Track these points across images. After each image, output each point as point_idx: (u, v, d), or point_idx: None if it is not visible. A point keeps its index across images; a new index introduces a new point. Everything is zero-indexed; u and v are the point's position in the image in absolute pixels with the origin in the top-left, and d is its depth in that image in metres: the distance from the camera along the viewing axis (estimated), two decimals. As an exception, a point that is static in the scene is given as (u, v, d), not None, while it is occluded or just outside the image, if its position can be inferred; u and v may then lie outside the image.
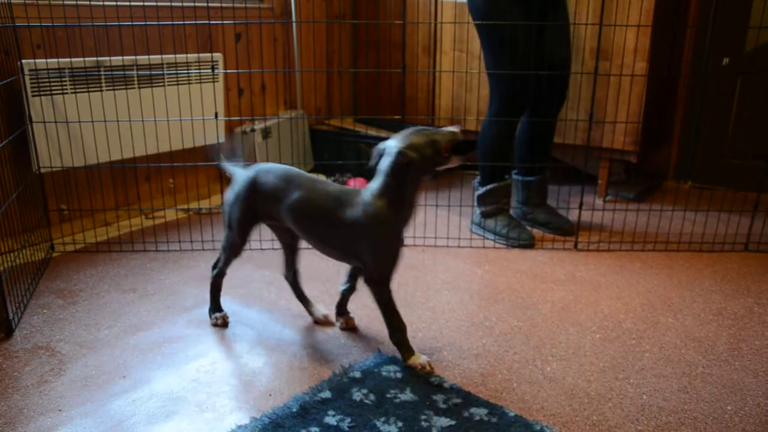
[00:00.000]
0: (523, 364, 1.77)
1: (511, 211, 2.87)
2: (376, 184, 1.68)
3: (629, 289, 2.26)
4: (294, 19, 3.38)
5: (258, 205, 1.82)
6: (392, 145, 1.67)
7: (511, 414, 1.52)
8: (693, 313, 2.09)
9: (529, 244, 2.66)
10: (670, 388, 1.67)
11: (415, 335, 1.92)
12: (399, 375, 1.67)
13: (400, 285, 2.26)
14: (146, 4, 2.70)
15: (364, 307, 2.10)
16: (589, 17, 2.98)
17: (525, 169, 2.83)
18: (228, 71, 3.12)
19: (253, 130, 3.16)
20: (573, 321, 2.02)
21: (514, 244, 2.66)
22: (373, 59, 3.88)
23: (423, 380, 1.65)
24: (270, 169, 1.83)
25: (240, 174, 1.88)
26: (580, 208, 2.73)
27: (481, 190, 2.74)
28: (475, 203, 2.79)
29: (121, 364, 1.77)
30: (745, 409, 1.58)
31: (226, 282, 2.28)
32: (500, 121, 2.60)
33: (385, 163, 1.67)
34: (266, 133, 3.22)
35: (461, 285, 2.28)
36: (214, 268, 2.01)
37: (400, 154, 1.63)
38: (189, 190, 3.15)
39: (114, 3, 2.59)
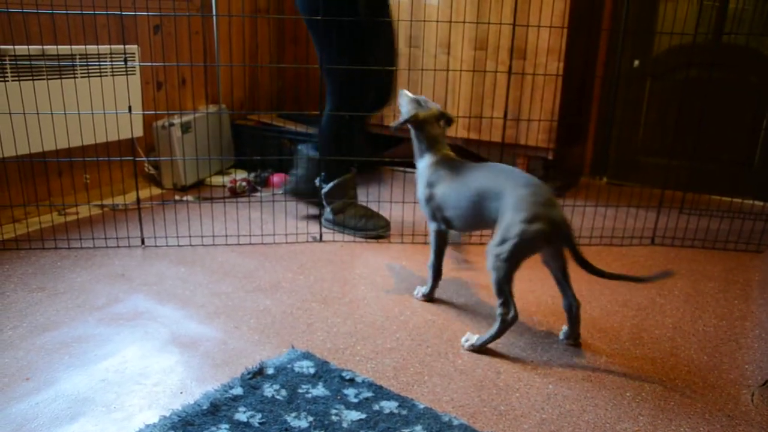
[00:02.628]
0: (435, 357, 1.80)
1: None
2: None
3: (541, 283, 2.33)
4: (215, 12, 3.32)
5: None
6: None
7: (421, 406, 1.55)
8: (600, 305, 2.18)
9: (384, 233, 2.70)
10: (575, 377, 1.74)
11: (330, 330, 1.93)
12: (311, 370, 1.68)
13: (316, 280, 2.27)
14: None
15: (280, 302, 2.09)
16: (505, 17, 3.06)
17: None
18: (144, 64, 3.04)
19: (172, 125, 3.10)
20: (486, 314, 2.07)
21: (371, 235, 2.70)
22: (299, 54, 3.86)
23: (335, 375, 1.66)
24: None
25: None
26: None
27: (328, 187, 2.71)
28: (324, 201, 2.75)
29: (25, 365, 1.71)
30: (641, 395, 1.66)
31: (139, 278, 2.23)
32: (342, 115, 2.58)
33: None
34: (186, 127, 3.15)
35: (378, 280, 2.30)
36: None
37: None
38: (104, 185, 3.06)
39: (20, -10, 2.49)
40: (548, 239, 1.73)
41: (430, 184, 2.02)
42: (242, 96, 3.76)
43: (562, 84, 3.07)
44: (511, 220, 1.73)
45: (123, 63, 2.76)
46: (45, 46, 2.54)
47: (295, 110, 3.83)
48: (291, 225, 2.82)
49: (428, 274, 2.14)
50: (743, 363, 1.84)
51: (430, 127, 2.08)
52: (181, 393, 1.60)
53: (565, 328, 1.92)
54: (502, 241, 1.74)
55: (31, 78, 2.51)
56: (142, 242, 2.55)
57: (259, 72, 3.84)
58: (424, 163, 2.07)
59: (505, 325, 1.79)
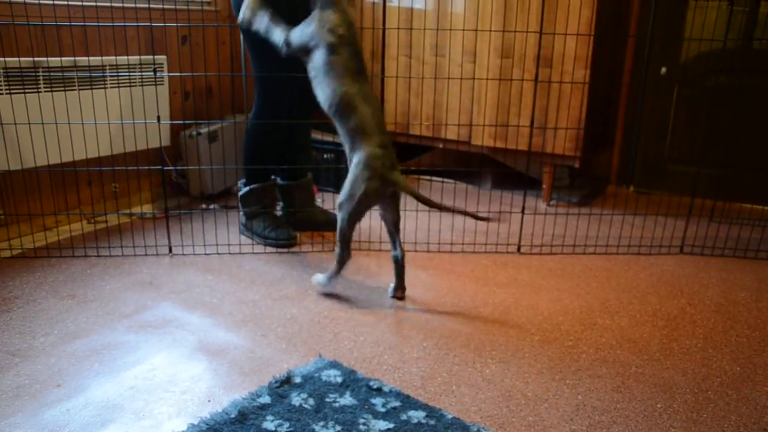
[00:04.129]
0: (462, 367, 1.79)
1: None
2: None
3: (569, 292, 2.31)
4: (241, 22, 3.35)
5: None
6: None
7: (449, 416, 1.54)
8: (629, 314, 2.15)
9: (287, 243, 2.66)
10: (605, 388, 1.71)
11: (357, 339, 1.93)
12: (339, 379, 1.67)
13: (343, 288, 2.27)
14: (85, 4, 2.65)
15: (307, 311, 2.10)
16: (531, 25, 3.05)
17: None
18: (172, 74, 3.07)
19: (199, 134, 3.13)
20: (513, 324, 2.06)
21: (272, 244, 2.67)
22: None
23: (363, 384, 1.66)
24: None
25: None
26: (523, 212, 2.78)
27: (244, 190, 2.72)
28: (239, 204, 2.75)
29: (56, 372, 1.73)
30: (673, 407, 1.63)
31: (168, 286, 2.25)
32: (265, 121, 2.58)
33: None
34: (212, 137, 3.18)
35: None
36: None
37: None
38: (132, 194, 3.10)
39: (51, 2, 2.54)
40: (382, 194, 2.08)
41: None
42: (268, 105, 3.78)
43: (588, 91, 3.04)
44: (355, 178, 2.05)
45: (152, 73, 2.79)
46: (77, 58, 2.59)
47: (322, 120, 3.84)
48: (317, 233, 2.82)
49: None
50: (778, 375, 1.80)
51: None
52: (209, 401, 1.61)
53: (392, 285, 2.23)
54: (349, 197, 2.07)
55: (63, 89, 2.55)
56: (170, 250, 2.58)
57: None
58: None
59: (341, 263, 2.15)
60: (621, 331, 2.03)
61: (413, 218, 2.99)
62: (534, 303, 2.21)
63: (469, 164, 3.81)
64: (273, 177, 2.74)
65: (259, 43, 2.47)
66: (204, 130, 3.16)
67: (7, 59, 2.40)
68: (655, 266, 2.57)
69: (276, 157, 2.68)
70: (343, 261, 2.15)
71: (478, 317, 2.09)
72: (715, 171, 3.35)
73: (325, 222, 2.82)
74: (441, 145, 3.53)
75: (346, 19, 2.13)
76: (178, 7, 2.97)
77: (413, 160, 3.84)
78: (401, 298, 2.21)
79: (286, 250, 2.65)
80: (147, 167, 2.84)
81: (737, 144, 3.32)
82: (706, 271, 2.53)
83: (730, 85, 3.28)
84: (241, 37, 2.58)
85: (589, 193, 3.53)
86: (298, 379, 1.67)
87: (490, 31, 3.13)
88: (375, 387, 1.64)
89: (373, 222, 2.94)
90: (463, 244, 2.75)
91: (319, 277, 2.22)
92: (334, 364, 1.75)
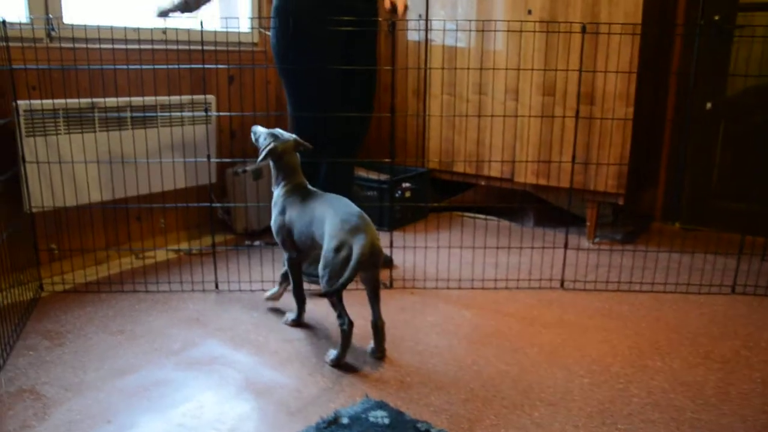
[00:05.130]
0: (511, 410, 1.76)
1: None
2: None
3: (617, 332, 2.26)
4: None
5: None
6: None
7: (499, 461, 1.51)
8: (681, 356, 2.10)
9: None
10: (658, 434, 1.67)
11: (403, 379, 1.91)
12: (386, 420, 1.66)
13: (388, 327, 2.26)
14: (142, 47, 2.75)
15: (352, 350, 2.09)
16: (573, 63, 3.05)
17: None
18: (220, 113, 3.15)
19: (244, 171, 3.19)
20: (561, 365, 2.02)
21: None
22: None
23: (410, 426, 1.64)
24: None
25: None
26: (565, 247, 2.75)
27: None
28: None
29: (107, 407, 1.75)
30: (732, 456, 1.58)
31: (213, 323, 2.27)
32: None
33: None
34: (257, 174, 3.24)
35: (450, 328, 2.28)
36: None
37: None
38: (180, 230, 3.16)
39: (110, 46, 2.63)
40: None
41: (283, 211, 2.19)
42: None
43: (632, 128, 3.02)
44: (326, 247, 1.95)
45: (203, 113, 2.87)
46: (132, 98, 2.68)
47: (366, 158, 3.88)
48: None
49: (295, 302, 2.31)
50: (842, 423, 1.73)
51: (288, 157, 2.23)
52: (257, 440, 1.62)
53: (372, 344, 2.08)
54: (324, 266, 1.95)
55: (118, 128, 2.64)
56: (216, 287, 2.61)
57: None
58: (278, 192, 2.24)
59: (345, 334, 1.97)
60: (673, 374, 1.98)
61: (457, 255, 2.98)
62: (582, 343, 2.17)
63: (512, 201, 3.80)
64: None
65: (295, 84, 2.53)
66: (249, 167, 3.22)
67: (67, 100, 2.50)
68: (706, 306, 2.51)
69: None
70: (344, 332, 1.98)
71: (525, 358, 2.06)
72: (764, 207, 3.27)
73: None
74: (483, 182, 3.53)
75: (289, 187, 2.22)
76: (230, 48, 3.06)
77: (456, 197, 3.84)
78: (381, 358, 2.06)
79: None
80: (195, 204, 2.89)
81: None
82: (760, 312, 2.45)
83: (778, 121, 3.22)
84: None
85: (634, 231, 3.48)
86: (345, 420, 1.66)
87: (532, 69, 3.14)
88: (423, 429, 1.63)
89: (416, 258, 2.94)
90: (507, 280, 2.73)
91: (332, 355, 2.02)
92: (381, 405, 1.74)
